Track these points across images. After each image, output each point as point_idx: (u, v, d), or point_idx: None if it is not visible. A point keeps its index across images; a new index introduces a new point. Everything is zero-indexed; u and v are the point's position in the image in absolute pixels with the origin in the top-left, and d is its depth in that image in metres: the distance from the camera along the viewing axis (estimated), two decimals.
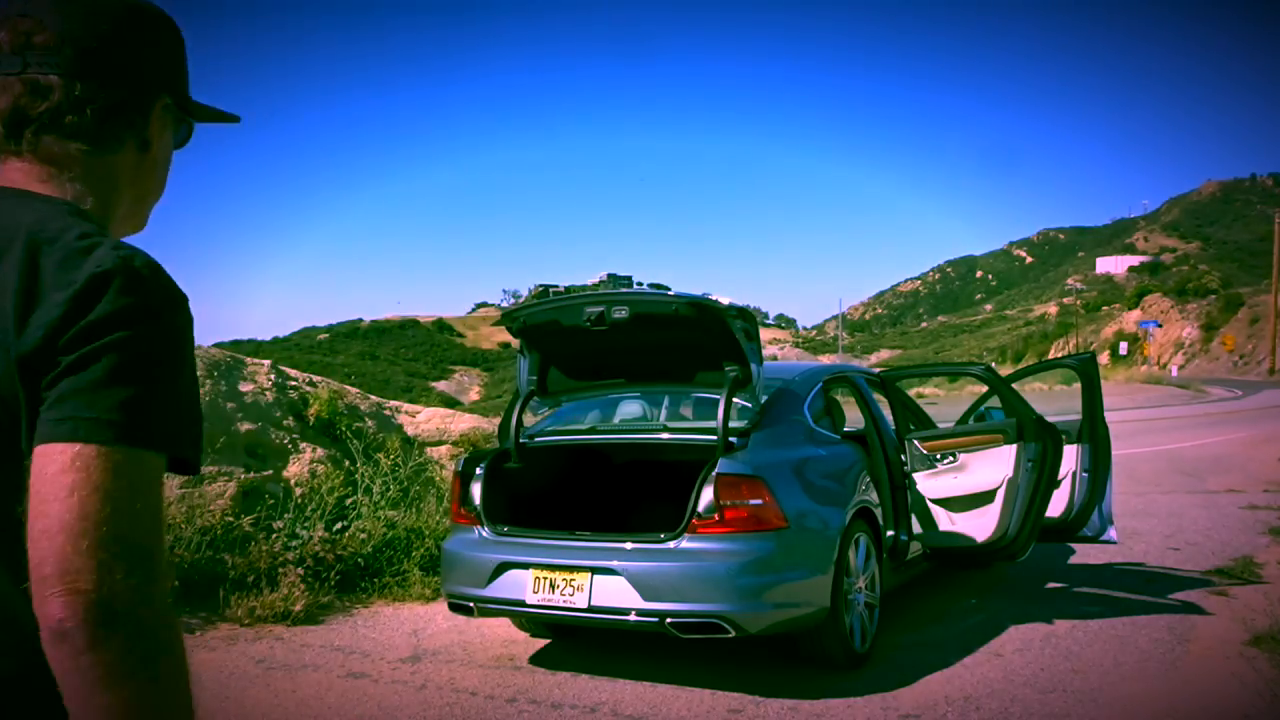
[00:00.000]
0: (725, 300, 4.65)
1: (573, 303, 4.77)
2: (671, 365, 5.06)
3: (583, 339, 4.76)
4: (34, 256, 0.93)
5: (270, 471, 6.87)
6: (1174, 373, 58.71)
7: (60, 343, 0.89)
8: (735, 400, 4.67)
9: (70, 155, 1.05)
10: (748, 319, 4.65)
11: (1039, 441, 5.51)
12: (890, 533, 5.37)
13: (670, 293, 4.68)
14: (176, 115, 1.16)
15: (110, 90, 1.05)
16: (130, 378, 0.89)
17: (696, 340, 4.73)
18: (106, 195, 1.09)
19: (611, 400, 5.69)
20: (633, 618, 4.26)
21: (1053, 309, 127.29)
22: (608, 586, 4.31)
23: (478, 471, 4.88)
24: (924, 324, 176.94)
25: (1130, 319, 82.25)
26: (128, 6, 1.09)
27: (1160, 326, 72.82)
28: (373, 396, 9.19)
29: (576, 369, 5.21)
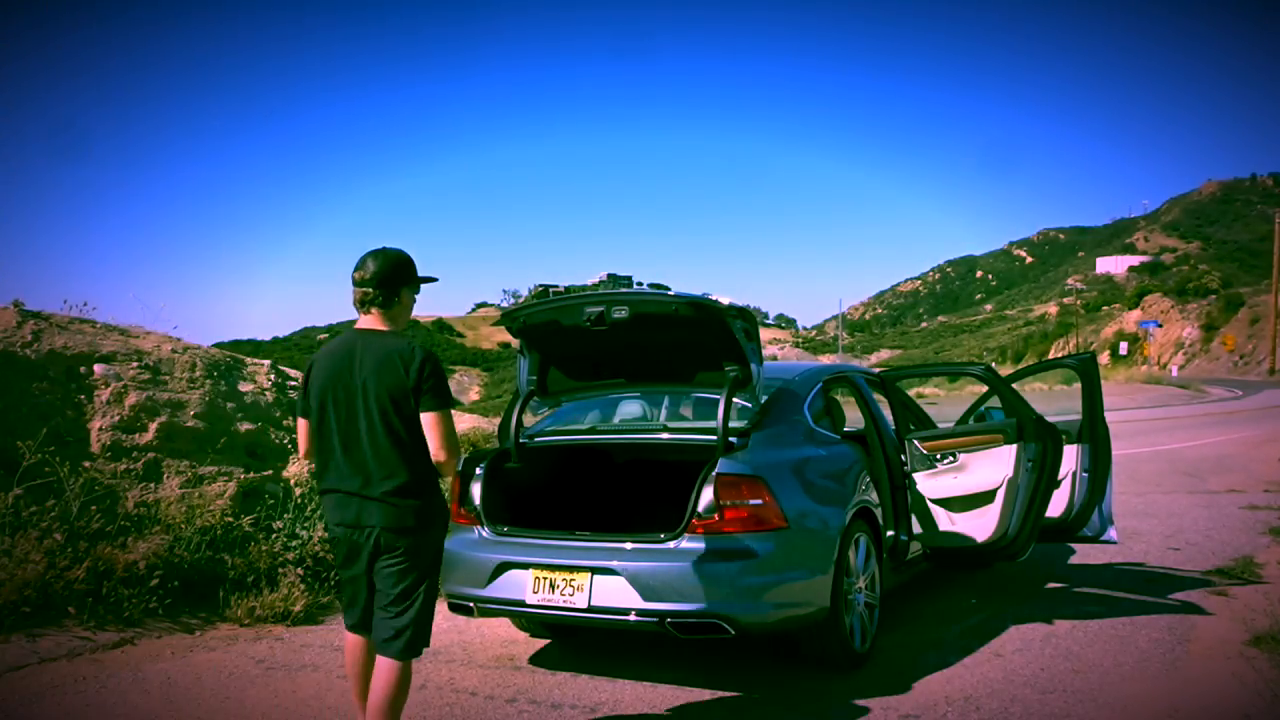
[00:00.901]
0: (725, 300, 4.65)
1: (573, 303, 4.76)
2: (671, 365, 5.06)
3: (583, 339, 4.76)
4: (399, 353, 3.30)
5: (270, 471, 6.87)
6: (1174, 373, 58.72)
7: (421, 378, 3.27)
8: (735, 400, 4.66)
9: (379, 313, 3.39)
10: (748, 319, 4.64)
11: (1039, 441, 5.51)
12: (890, 533, 5.37)
13: (670, 293, 4.67)
14: (413, 288, 3.47)
15: (389, 290, 3.38)
16: (442, 387, 3.32)
17: (696, 340, 4.72)
18: (397, 323, 3.43)
19: (611, 400, 5.69)
20: (633, 618, 4.25)
21: (1053, 309, 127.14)
22: (608, 586, 4.30)
23: (477, 471, 4.87)
24: (924, 324, 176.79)
25: (1130, 319, 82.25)
26: (396, 259, 3.40)
27: (1160, 326, 72.79)
28: None
29: (576, 369, 5.21)
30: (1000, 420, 5.92)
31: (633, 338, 4.77)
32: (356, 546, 3.35)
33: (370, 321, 3.39)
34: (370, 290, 3.35)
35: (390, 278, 3.37)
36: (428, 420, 3.26)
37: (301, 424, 3.50)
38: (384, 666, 3.34)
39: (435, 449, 3.27)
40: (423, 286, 3.51)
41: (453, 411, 3.44)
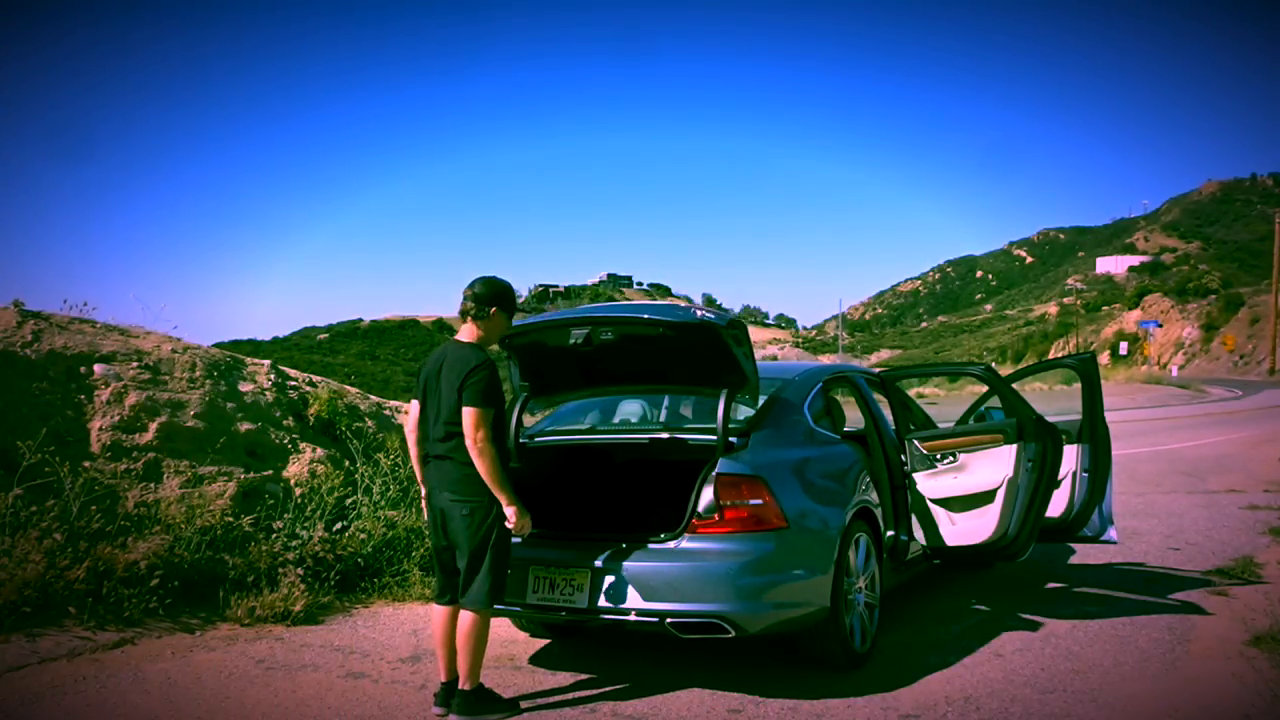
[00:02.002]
0: (700, 313, 4.56)
1: (557, 325, 4.73)
2: (665, 376, 5.05)
3: (572, 356, 4.76)
4: (464, 358, 4.14)
5: (270, 471, 6.86)
6: (1174, 373, 58.73)
7: (467, 378, 4.06)
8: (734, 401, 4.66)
9: (472, 323, 4.24)
10: (735, 326, 4.61)
11: (1039, 441, 5.50)
12: (890, 533, 5.37)
13: (654, 314, 4.57)
14: (506, 312, 4.29)
15: (483, 307, 4.22)
16: (478, 389, 4.04)
17: (688, 355, 4.70)
18: (485, 336, 4.25)
19: (611, 400, 5.69)
20: (633, 618, 4.25)
21: (1053, 309, 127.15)
22: (607, 586, 4.30)
23: None
24: (924, 324, 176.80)
25: (1130, 319, 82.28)
26: (496, 287, 4.27)
27: (1160, 326, 72.82)
28: (373, 396, 9.18)
29: (568, 380, 5.20)
30: (1000, 420, 5.92)
31: (622, 355, 4.77)
32: (434, 510, 4.19)
33: (463, 332, 4.25)
34: (470, 305, 4.19)
35: (487, 299, 4.19)
36: (465, 414, 4.01)
37: (413, 404, 4.37)
38: (464, 618, 4.10)
39: (467, 440, 3.99)
40: (504, 307, 4.25)
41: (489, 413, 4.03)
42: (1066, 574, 7.03)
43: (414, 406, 4.30)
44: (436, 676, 4.64)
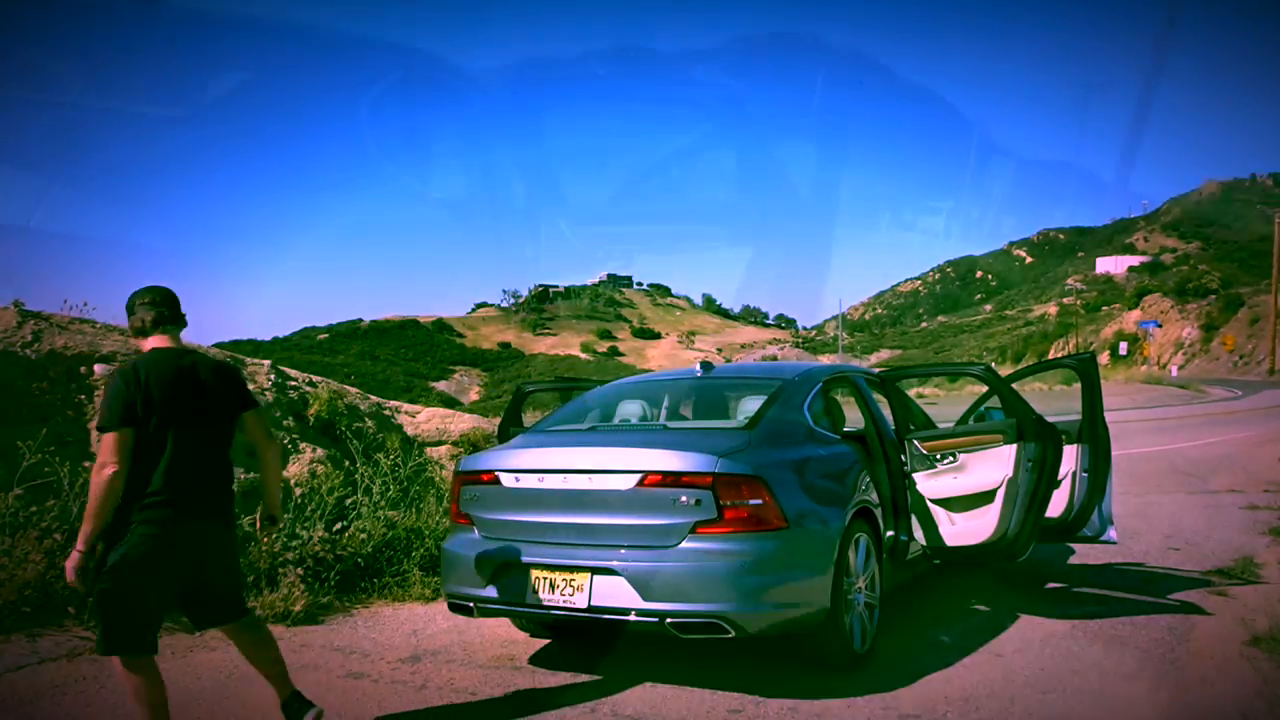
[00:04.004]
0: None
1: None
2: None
3: None
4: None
5: None
6: (1174, 373, 58.76)
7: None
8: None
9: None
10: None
11: (1039, 441, 5.51)
12: (890, 533, 5.37)
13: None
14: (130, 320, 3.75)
15: (140, 316, 3.69)
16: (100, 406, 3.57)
17: None
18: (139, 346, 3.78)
19: (611, 400, 5.70)
20: (633, 618, 4.25)
21: (1053, 309, 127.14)
22: (607, 586, 4.30)
23: None
24: (924, 324, 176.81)
25: (1130, 319, 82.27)
26: (135, 295, 3.73)
27: (1160, 326, 72.84)
28: (372, 396, 9.18)
29: None
30: (1000, 420, 5.92)
31: None
32: None
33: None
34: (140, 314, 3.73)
35: (128, 307, 3.73)
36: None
37: None
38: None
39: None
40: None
41: (115, 435, 3.39)
42: (1066, 574, 7.03)
43: None
44: (436, 676, 4.65)
